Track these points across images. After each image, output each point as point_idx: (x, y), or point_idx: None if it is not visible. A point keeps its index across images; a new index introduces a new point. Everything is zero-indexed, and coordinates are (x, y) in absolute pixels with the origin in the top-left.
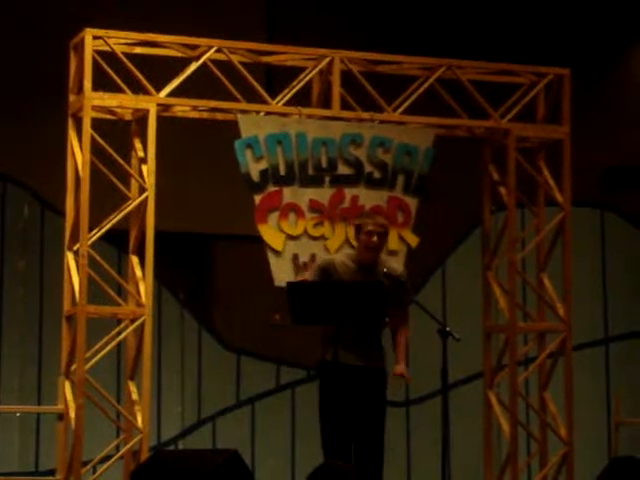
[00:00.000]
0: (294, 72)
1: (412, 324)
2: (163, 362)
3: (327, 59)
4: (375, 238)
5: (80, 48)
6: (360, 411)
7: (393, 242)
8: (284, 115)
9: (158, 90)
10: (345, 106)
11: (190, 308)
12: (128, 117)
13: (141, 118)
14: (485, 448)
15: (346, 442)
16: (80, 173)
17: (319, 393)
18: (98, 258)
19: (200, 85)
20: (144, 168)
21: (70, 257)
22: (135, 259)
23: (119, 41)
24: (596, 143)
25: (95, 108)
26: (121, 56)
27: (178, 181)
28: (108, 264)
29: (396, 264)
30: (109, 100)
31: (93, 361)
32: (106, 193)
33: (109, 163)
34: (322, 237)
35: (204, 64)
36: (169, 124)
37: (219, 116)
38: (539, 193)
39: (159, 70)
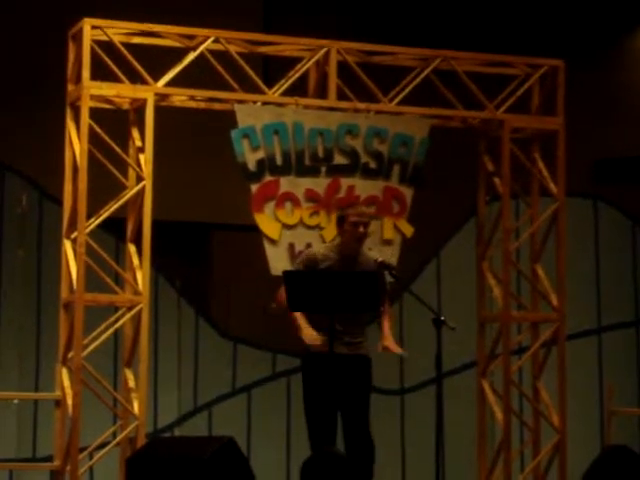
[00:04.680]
0: (291, 62)
1: (407, 313)
2: (160, 350)
3: (324, 50)
4: (361, 228)
5: (78, 38)
6: (347, 398)
7: (388, 232)
8: (281, 105)
9: (156, 80)
10: (341, 96)
11: (187, 296)
12: (126, 106)
13: (139, 107)
14: (478, 436)
15: (333, 431)
16: (78, 162)
17: (305, 383)
18: (96, 246)
19: (197, 75)
20: (141, 157)
21: (68, 245)
22: (132, 247)
23: (117, 31)
24: (590, 134)
25: (93, 97)
26: (119, 46)
27: (175, 170)
28: (106, 252)
29: (377, 253)
30: (107, 90)
31: (90, 348)
32: (104, 182)
33: (107, 152)
34: (318, 226)
35: (201, 54)
36: (167, 113)
37: (216, 106)
38: (533, 184)
39: (157, 60)
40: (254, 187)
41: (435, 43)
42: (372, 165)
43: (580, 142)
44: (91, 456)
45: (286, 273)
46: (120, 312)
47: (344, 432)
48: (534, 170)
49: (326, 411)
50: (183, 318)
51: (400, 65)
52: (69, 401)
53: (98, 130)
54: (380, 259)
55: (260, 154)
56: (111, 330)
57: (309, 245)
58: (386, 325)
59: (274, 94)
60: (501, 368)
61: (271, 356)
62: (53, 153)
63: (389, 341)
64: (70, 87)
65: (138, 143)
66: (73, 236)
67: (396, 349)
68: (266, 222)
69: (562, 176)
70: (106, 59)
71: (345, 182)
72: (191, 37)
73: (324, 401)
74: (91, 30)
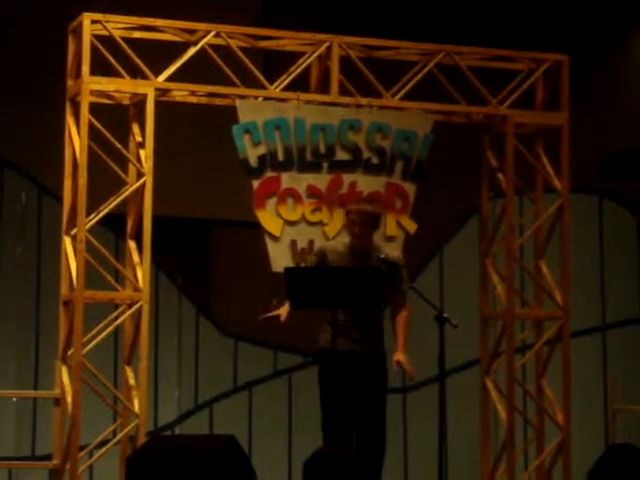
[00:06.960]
0: (292, 57)
1: (410, 310)
2: (160, 347)
3: (326, 44)
4: (356, 228)
5: (78, 32)
6: (361, 396)
7: (391, 228)
8: (282, 100)
9: (156, 75)
10: (344, 92)
11: (188, 293)
12: (126, 102)
13: (139, 103)
14: (482, 434)
15: (348, 430)
16: (78, 158)
17: (319, 381)
18: (96, 243)
19: (198, 70)
20: (142, 153)
21: (67, 242)
22: (133, 244)
23: (117, 25)
24: (594, 129)
25: (93, 93)
26: (119, 40)
27: (176, 166)
28: (106, 249)
29: (393, 250)
30: (107, 85)
31: (90, 346)
32: (104, 178)
33: (107, 148)
34: (320, 223)
35: (202, 49)
36: (167, 109)
37: (217, 101)
38: (537, 180)
39: (157, 55)
40: (255, 183)
41: (438, 38)
42: (374, 161)
43: (584, 138)
44: (91, 455)
45: (287, 270)
46: (120, 309)
47: (356, 431)
48: (538, 166)
49: (338, 409)
50: (184, 315)
51: (403, 60)
52: (69, 399)
53: (98, 125)
54: (382, 255)
55: (261, 150)
56: (111, 327)
57: (311, 242)
58: (401, 335)
59: (276, 89)
60: (504, 366)
61: (272, 354)
62: (53, 149)
63: (402, 356)
64: (70, 82)
65: (138, 139)
66: (73, 232)
67: (408, 367)
68: (267, 218)
69: (566, 172)
70: (106, 54)
71: (347, 178)
72: (192, 31)
73: (334, 398)
74: (91, 24)
